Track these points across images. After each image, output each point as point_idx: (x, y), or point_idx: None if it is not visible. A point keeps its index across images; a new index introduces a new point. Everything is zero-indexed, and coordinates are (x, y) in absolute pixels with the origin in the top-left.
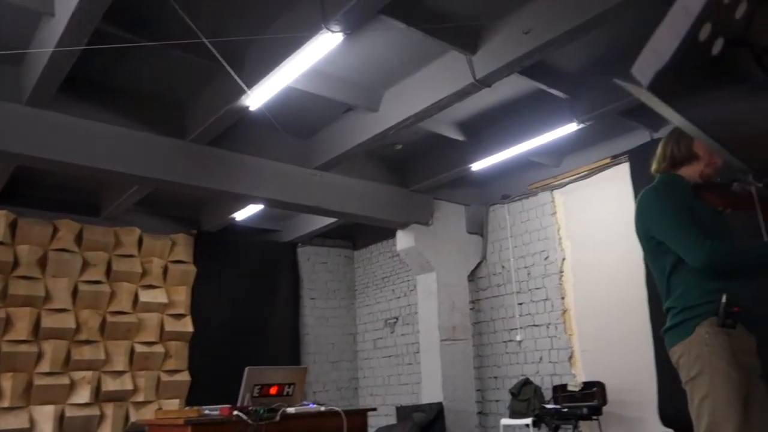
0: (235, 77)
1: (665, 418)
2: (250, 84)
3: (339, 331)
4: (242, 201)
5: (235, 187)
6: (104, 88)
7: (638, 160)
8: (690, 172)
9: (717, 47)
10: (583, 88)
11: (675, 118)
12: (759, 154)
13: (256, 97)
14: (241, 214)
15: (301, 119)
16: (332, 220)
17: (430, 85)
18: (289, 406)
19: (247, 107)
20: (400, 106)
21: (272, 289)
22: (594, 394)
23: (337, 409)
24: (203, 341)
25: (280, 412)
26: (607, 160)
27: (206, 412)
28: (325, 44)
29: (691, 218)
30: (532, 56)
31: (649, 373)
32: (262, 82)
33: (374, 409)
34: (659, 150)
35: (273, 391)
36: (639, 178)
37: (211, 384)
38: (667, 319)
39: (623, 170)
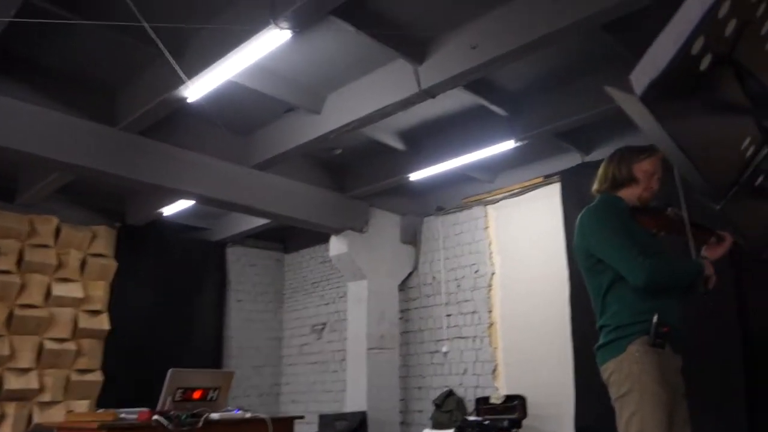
0: (175, 66)
1: None
2: (190, 74)
3: (264, 335)
4: (172, 196)
5: (166, 180)
6: (30, 66)
7: (569, 181)
8: (629, 194)
9: (705, 63)
10: (522, 107)
11: (653, 130)
12: (722, 172)
13: (196, 89)
14: (170, 210)
15: (241, 115)
16: (264, 221)
17: (375, 92)
18: (213, 411)
19: (185, 98)
20: (343, 110)
21: (197, 288)
22: (515, 407)
23: (263, 416)
24: (120, 340)
25: (203, 418)
26: (540, 179)
27: (122, 415)
28: (271, 41)
29: (631, 238)
30: (478, 71)
31: (568, 389)
32: (203, 73)
33: (302, 417)
34: (601, 171)
35: (196, 395)
36: (569, 199)
37: (125, 386)
38: (600, 336)
39: (554, 190)
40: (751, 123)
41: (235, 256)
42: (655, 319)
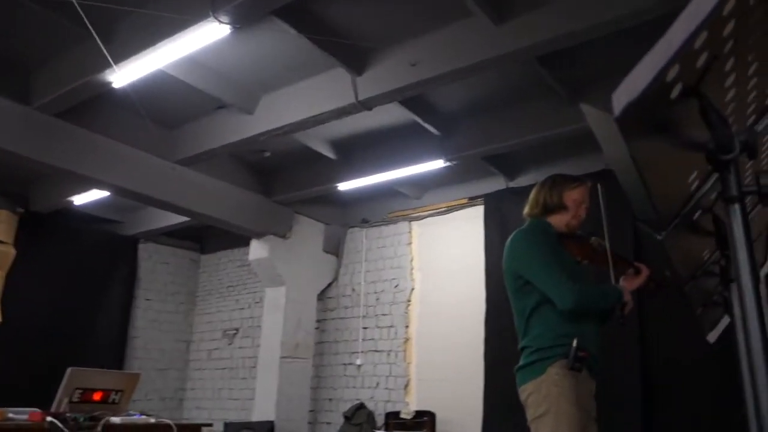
0: (102, 48)
1: None
2: (118, 59)
3: (172, 338)
4: (85, 184)
5: (80, 167)
6: None
7: (492, 205)
8: (557, 220)
9: (676, 91)
10: (455, 128)
11: (618, 152)
12: (669, 203)
13: (123, 75)
14: (81, 199)
15: (169, 107)
16: (182, 218)
17: (311, 98)
18: (114, 415)
19: (110, 83)
20: (277, 113)
21: (104, 284)
22: (424, 424)
23: (168, 422)
24: (13, 334)
25: (102, 422)
26: (465, 201)
27: (11, 415)
28: (210, 34)
29: (560, 263)
30: (415, 88)
31: (477, 409)
32: (133, 59)
33: (210, 425)
34: (533, 196)
35: (97, 397)
36: (491, 222)
37: (16, 384)
38: (521, 357)
39: (478, 212)
40: (701, 158)
41: (147, 252)
42: (574, 343)
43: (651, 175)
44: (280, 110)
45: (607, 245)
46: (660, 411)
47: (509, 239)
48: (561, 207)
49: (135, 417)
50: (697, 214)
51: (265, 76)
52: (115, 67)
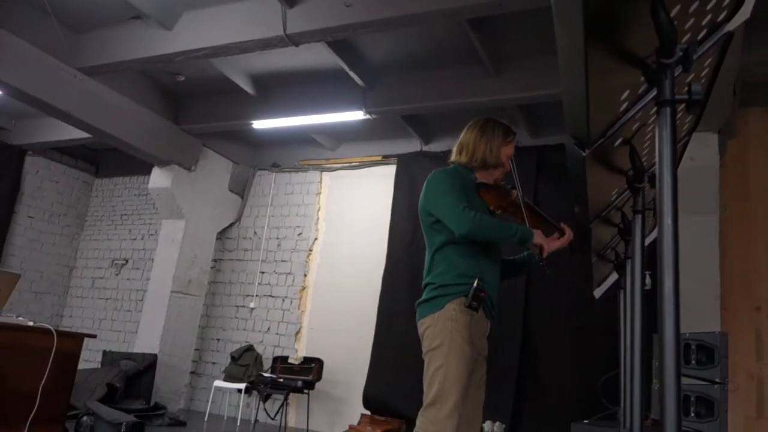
0: None
1: (366, 401)
2: None
3: (53, 261)
4: None
5: None
6: None
7: (404, 165)
8: (489, 176)
9: None
10: (379, 81)
11: (572, 46)
12: (599, 119)
13: None
14: None
15: (79, 8)
16: (78, 134)
17: (237, 23)
18: None
19: None
20: (197, 33)
21: None
22: (311, 370)
23: (48, 326)
24: None
25: None
26: (379, 158)
27: None
28: None
29: (464, 197)
30: (346, 30)
31: (363, 360)
32: None
33: (94, 336)
34: (470, 146)
35: None
36: (402, 182)
37: None
38: (423, 292)
39: (390, 171)
40: (637, 75)
41: (34, 167)
42: (475, 283)
43: (593, 77)
44: (202, 31)
45: (521, 199)
46: (534, 360)
47: (428, 177)
48: (498, 165)
49: (13, 318)
50: (618, 142)
51: None
52: None
